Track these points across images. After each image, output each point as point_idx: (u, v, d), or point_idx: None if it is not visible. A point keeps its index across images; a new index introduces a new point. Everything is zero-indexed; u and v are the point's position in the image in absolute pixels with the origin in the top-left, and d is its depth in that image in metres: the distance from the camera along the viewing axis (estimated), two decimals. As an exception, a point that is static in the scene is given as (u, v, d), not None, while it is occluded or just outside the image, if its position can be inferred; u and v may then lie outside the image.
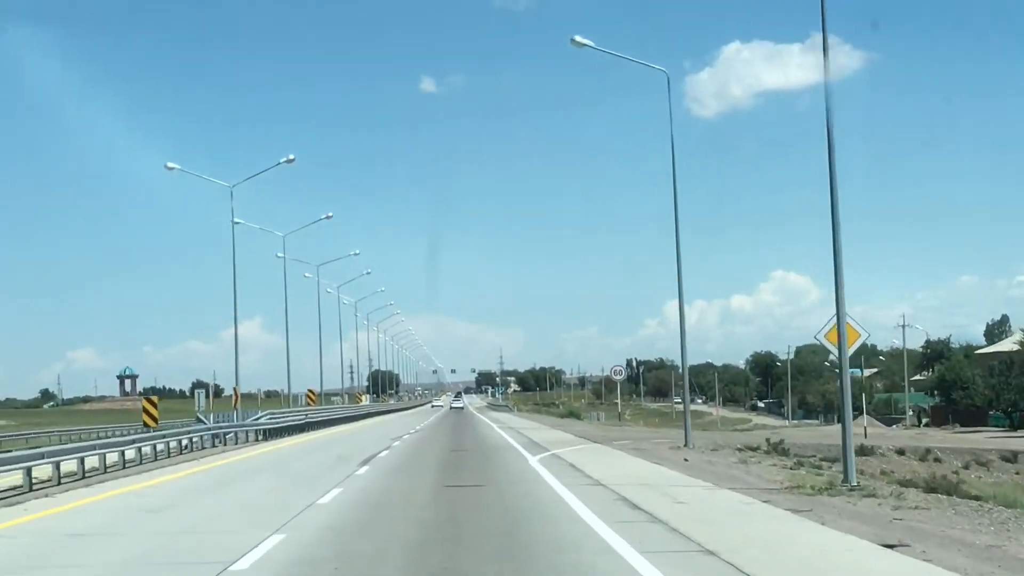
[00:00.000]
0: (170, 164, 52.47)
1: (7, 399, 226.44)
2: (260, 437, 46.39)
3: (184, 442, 36.06)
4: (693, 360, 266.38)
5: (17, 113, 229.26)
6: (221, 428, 41.39)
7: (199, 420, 45.06)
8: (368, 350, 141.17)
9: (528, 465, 27.16)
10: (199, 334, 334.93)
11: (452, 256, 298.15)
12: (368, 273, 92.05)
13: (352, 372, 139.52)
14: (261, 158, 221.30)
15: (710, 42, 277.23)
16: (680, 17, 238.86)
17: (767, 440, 38.37)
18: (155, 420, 35.83)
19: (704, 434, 54.42)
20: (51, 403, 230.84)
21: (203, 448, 38.16)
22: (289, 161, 53.91)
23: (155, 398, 37.21)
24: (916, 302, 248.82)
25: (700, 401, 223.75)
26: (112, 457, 27.19)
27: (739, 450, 35.23)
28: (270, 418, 49.82)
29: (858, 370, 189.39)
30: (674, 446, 34.33)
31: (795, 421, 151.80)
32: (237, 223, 52.74)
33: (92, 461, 25.55)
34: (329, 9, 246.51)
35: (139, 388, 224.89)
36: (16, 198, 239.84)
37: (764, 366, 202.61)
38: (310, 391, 70.26)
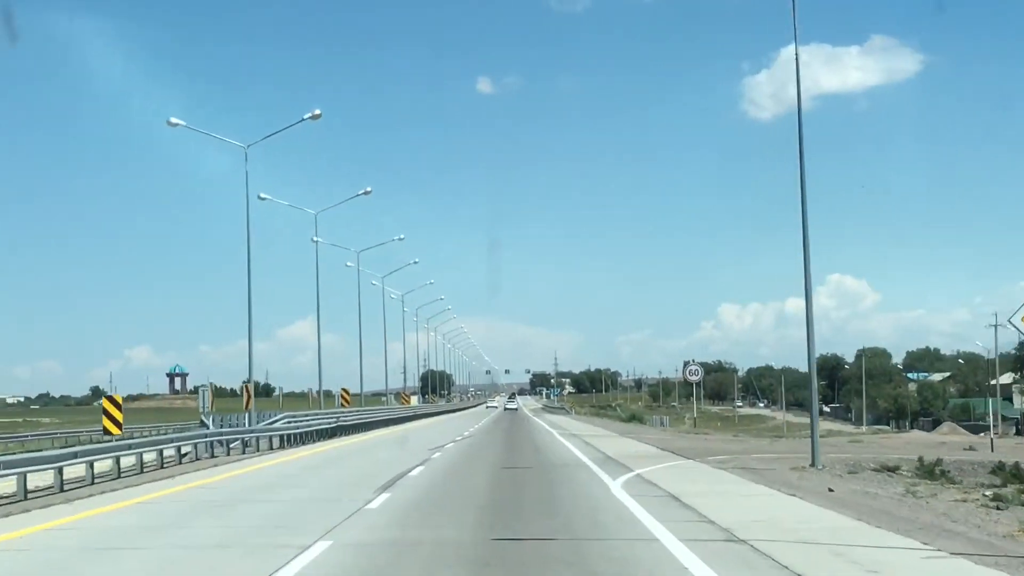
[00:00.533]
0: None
1: (62, 396, 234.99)
2: (276, 444, 38.75)
3: (169, 453, 28.41)
4: (750, 363, 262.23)
5: (84, 108, 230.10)
6: (222, 435, 33.63)
7: (202, 423, 37.43)
8: (418, 349, 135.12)
9: (611, 495, 18.95)
10: (255, 333, 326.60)
11: (506, 258, 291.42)
12: (415, 263, 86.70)
13: (404, 372, 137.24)
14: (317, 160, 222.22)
15: (768, 44, 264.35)
16: (737, 18, 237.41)
17: (920, 460, 29.50)
18: (119, 426, 27.87)
19: (790, 443, 46.21)
20: (99, 401, 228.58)
21: (194, 460, 30.49)
22: (315, 116, 47.82)
23: (119, 397, 29.16)
24: (974, 307, 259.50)
25: (762, 405, 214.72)
26: (64, 473, 19.57)
27: (876, 471, 26.86)
28: (288, 421, 41.87)
29: (925, 374, 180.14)
30: (796, 466, 26.01)
31: (868, 427, 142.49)
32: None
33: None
34: (388, 9, 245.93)
35: (189, 386, 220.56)
36: (82, 197, 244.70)
37: (830, 369, 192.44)
38: (344, 391, 62.26)
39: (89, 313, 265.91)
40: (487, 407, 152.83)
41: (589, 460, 29.11)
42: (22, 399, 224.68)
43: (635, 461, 28.12)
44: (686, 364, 54.53)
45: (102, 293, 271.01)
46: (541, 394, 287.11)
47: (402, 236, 73.15)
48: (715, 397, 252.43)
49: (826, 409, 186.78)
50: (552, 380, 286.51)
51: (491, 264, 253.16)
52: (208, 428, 35.99)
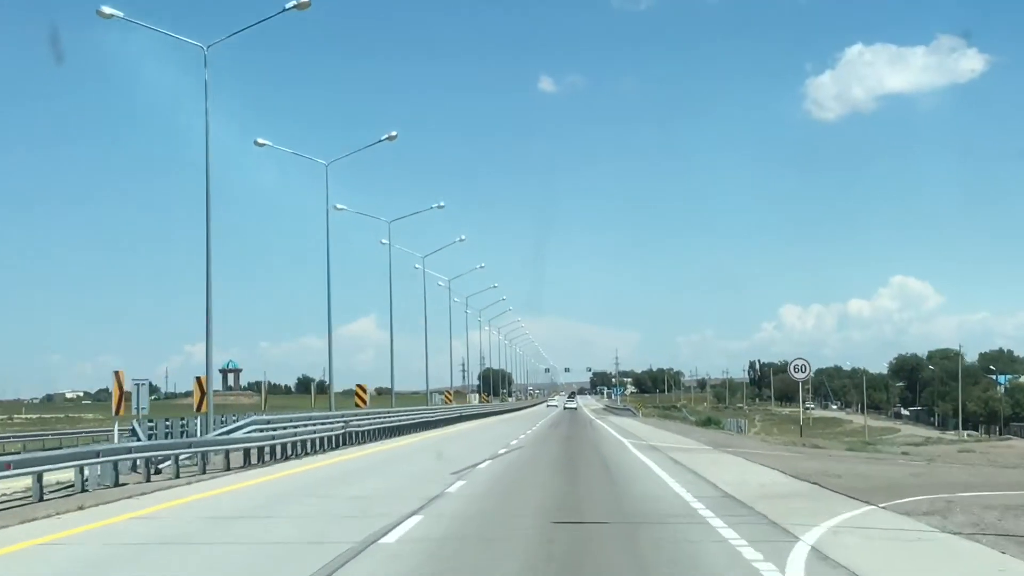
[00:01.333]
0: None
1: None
2: (264, 456, 27.66)
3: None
4: (818, 364, 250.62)
5: (138, 113, 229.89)
6: (144, 451, 22.35)
7: (133, 432, 26.25)
8: (480, 347, 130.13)
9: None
10: (313, 329, 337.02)
11: (567, 257, 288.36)
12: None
13: (464, 370, 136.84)
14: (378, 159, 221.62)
15: (832, 44, 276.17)
16: (802, 18, 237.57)
17: None
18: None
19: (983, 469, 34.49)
20: (153, 396, 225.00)
21: (114, 484, 19.38)
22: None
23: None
24: None
25: (835, 407, 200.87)
26: None
27: None
28: (258, 429, 30.29)
29: (1007, 376, 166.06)
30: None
31: (959, 432, 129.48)
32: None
33: None
34: (453, 8, 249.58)
35: (242, 382, 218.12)
36: (145, 199, 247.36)
37: (909, 371, 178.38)
38: (360, 388, 50.68)
39: (156, 312, 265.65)
40: (547, 406, 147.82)
41: (700, 503, 17.34)
42: (81, 394, 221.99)
43: (777, 507, 16.44)
44: (791, 362, 42.83)
45: (166, 290, 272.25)
46: (602, 394, 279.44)
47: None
48: (782, 398, 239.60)
49: (904, 412, 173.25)
50: (613, 379, 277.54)
51: (548, 264, 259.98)
52: (139, 439, 24.81)
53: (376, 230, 64.45)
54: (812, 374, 40.93)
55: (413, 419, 54.84)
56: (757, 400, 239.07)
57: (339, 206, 52.10)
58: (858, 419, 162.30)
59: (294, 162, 54.11)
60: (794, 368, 45.51)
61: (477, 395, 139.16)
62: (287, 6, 34.01)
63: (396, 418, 49.81)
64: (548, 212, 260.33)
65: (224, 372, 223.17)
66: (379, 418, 45.71)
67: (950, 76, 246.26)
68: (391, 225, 62.99)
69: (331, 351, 47.08)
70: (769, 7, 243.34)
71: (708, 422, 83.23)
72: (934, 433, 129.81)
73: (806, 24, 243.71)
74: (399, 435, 47.34)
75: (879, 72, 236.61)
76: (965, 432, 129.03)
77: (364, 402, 49.34)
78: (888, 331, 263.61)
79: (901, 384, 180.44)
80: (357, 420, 40.61)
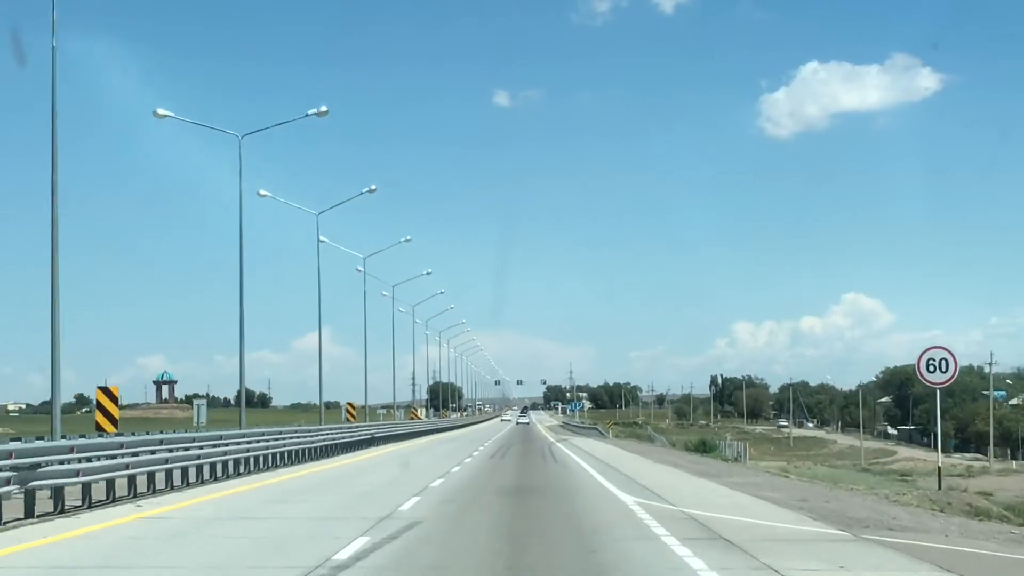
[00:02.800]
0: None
1: (67, 403, 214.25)
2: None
3: None
4: (772, 381, 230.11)
5: (99, 126, 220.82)
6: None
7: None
8: (428, 361, 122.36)
9: None
10: (270, 344, 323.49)
11: (520, 272, 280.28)
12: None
13: (412, 384, 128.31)
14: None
15: (787, 62, 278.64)
16: (757, 37, 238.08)
17: None
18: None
19: None
20: (85, 408, 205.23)
21: None
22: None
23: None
24: (989, 328, 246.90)
25: (811, 425, 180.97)
26: None
27: None
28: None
29: (998, 393, 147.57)
30: None
31: (963, 455, 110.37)
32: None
33: None
34: (408, 23, 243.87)
35: (179, 395, 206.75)
36: (102, 210, 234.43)
37: (898, 385, 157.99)
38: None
39: (111, 323, 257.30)
40: (502, 420, 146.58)
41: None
42: (24, 407, 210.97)
43: None
44: (923, 354, 21.46)
45: (118, 302, 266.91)
46: (556, 408, 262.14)
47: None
48: (751, 415, 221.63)
49: (891, 431, 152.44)
50: (568, 393, 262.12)
51: (504, 278, 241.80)
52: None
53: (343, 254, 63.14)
54: (956, 374, 19.75)
55: (323, 440, 41.15)
56: (719, 416, 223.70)
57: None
58: (840, 439, 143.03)
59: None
60: (926, 365, 24.83)
61: (427, 410, 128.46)
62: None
63: (292, 441, 35.75)
64: (502, 226, 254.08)
65: (158, 384, 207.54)
66: (264, 440, 31.60)
67: (905, 94, 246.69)
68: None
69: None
70: (723, 26, 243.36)
71: (703, 447, 62.09)
72: (930, 454, 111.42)
73: (761, 41, 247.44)
74: (282, 469, 31.52)
75: (833, 89, 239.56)
76: (974, 455, 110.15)
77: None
78: (840, 348, 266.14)
79: (885, 400, 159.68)
80: (237, 442, 27.80)
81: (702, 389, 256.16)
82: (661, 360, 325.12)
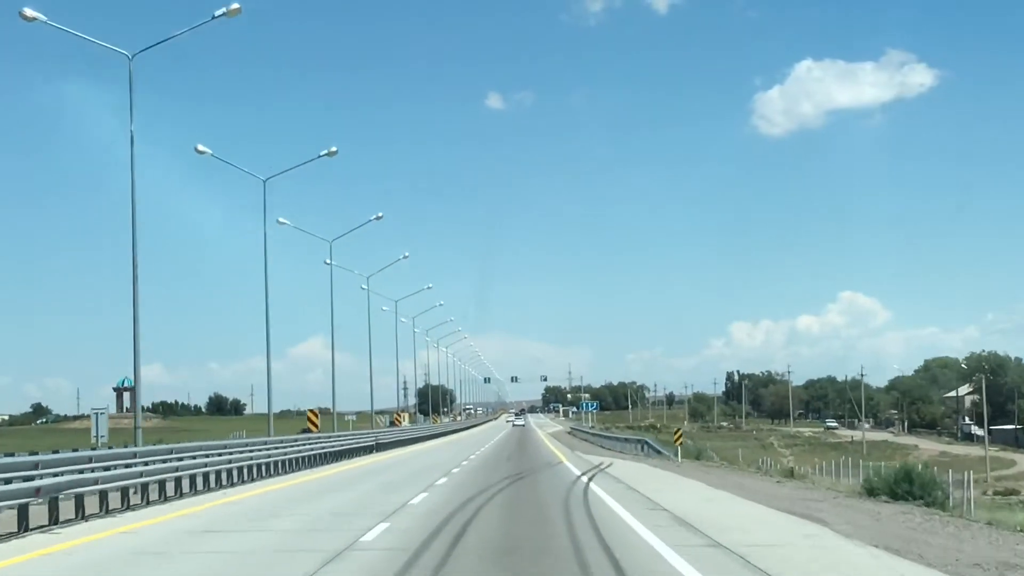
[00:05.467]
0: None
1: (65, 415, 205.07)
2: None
3: None
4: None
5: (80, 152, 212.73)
6: None
7: None
8: (427, 366, 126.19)
9: None
10: (261, 350, 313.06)
11: (514, 275, 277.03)
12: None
13: (404, 389, 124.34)
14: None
15: (781, 60, 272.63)
16: (751, 34, 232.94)
17: None
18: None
19: None
20: (42, 419, 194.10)
21: None
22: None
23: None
24: (985, 324, 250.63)
25: (867, 425, 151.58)
26: None
27: None
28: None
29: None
30: None
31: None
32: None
33: None
34: (400, 25, 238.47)
35: (141, 403, 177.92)
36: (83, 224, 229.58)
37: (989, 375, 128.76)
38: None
39: (103, 330, 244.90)
40: (508, 421, 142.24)
41: None
42: (6, 417, 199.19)
43: None
44: None
45: (114, 311, 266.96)
46: (557, 411, 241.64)
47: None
48: (775, 415, 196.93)
49: (977, 431, 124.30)
50: (568, 395, 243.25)
51: (495, 281, 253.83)
52: None
53: (321, 250, 59.86)
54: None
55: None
56: (736, 417, 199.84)
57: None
58: (921, 443, 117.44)
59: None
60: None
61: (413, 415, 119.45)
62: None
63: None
64: (497, 230, 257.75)
65: (119, 391, 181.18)
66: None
67: (900, 90, 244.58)
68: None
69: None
70: (718, 23, 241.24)
71: (904, 484, 34.49)
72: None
73: (755, 39, 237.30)
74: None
75: (828, 87, 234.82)
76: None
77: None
78: (837, 346, 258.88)
79: (969, 393, 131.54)
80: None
81: (704, 388, 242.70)
82: (658, 361, 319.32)
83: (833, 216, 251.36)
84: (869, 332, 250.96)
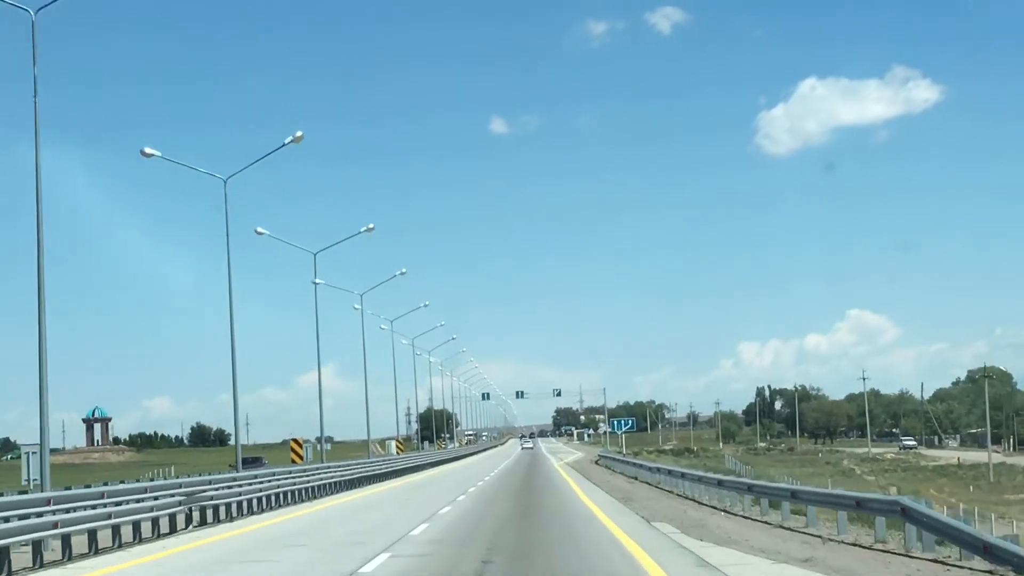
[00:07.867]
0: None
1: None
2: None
3: None
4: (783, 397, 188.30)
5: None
6: None
7: None
8: (415, 392, 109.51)
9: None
10: (272, 380, 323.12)
11: (522, 298, 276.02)
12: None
13: (408, 416, 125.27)
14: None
15: (786, 78, 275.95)
16: (755, 53, 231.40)
17: None
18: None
19: None
20: (10, 454, 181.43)
21: None
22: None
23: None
24: (994, 339, 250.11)
25: (954, 444, 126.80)
26: None
27: None
28: None
29: None
30: None
31: None
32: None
33: None
34: (403, 48, 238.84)
35: (112, 435, 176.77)
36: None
37: None
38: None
39: (113, 364, 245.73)
40: (522, 448, 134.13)
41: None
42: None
43: None
44: None
45: (124, 342, 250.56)
46: (571, 434, 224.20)
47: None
48: (817, 435, 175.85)
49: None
50: (581, 416, 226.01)
51: (497, 304, 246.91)
52: None
53: (345, 292, 65.27)
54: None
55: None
56: (769, 437, 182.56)
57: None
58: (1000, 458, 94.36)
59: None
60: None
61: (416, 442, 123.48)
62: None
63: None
64: (499, 249, 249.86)
65: (88, 422, 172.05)
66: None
67: (905, 107, 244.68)
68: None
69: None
70: (720, 44, 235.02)
71: None
72: None
73: (759, 57, 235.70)
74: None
75: (832, 105, 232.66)
76: None
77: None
78: (846, 365, 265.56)
79: None
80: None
81: (731, 405, 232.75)
82: (667, 383, 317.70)
83: (839, 233, 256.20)
84: (878, 349, 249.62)
